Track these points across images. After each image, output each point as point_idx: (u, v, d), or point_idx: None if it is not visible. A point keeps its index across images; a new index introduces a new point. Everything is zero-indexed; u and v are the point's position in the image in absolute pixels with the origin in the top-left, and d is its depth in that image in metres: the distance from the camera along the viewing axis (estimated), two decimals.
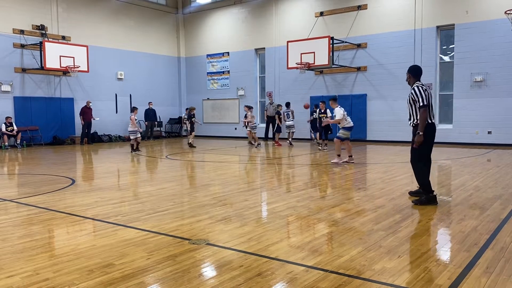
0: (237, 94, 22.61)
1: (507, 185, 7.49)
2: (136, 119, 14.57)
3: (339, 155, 11.00)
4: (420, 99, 5.73)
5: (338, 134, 11.23)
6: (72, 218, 5.50)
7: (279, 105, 17.88)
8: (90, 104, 19.23)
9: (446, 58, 17.16)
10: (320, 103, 14.59)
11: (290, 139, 17.09)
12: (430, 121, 5.80)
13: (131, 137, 14.52)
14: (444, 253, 4.00)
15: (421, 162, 5.91)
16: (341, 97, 19.06)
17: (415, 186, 7.72)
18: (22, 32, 18.05)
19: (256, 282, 3.29)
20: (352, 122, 11.35)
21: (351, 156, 11.25)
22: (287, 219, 5.37)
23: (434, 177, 9.01)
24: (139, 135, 14.68)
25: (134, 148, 14.61)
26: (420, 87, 5.81)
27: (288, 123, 17.02)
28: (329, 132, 14.47)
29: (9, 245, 4.36)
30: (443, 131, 16.89)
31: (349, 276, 3.39)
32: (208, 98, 23.83)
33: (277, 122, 17.55)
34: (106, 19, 21.22)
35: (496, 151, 13.92)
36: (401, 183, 7.80)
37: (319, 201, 6.36)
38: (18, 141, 17.37)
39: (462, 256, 3.83)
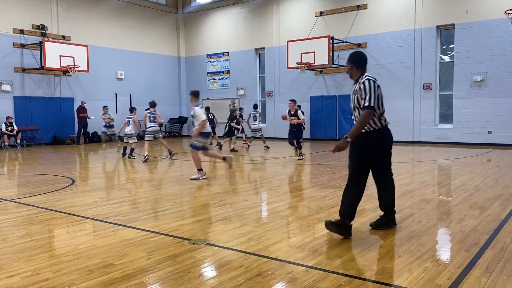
0: (237, 94, 22.61)
1: (507, 185, 7.49)
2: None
3: (200, 169, 8.70)
4: (368, 97, 4.20)
5: (193, 142, 8.67)
6: (72, 218, 5.50)
7: (240, 109, 16.38)
8: (85, 104, 19.25)
9: (446, 58, 17.16)
10: (290, 102, 12.22)
11: (264, 143, 15.65)
12: (380, 126, 4.41)
13: (130, 141, 13.08)
14: (444, 253, 4.00)
15: (353, 182, 4.57)
16: (342, 97, 19.11)
17: (415, 186, 7.73)
18: (22, 31, 18.05)
19: (256, 282, 3.29)
20: (209, 128, 9.01)
21: (225, 158, 8.82)
22: (287, 219, 5.37)
23: (434, 177, 9.02)
24: (136, 141, 13.33)
25: (128, 152, 13.17)
26: (372, 81, 4.29)
27: (253, 126, 15.25)
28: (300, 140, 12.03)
29: (9, 245, 4.35)
30: (443, 131, 16.92)
31: (349, 276, 3.39)
32: (208, 98, 23.82)
33: (229, 126, 15.46)
34: (106, 18, 21.21)
35: (496, 151, 13.92)
36: (401, 183, 7.80)
37: (319, 201, 6.36)
38: (18, 141, 17.37)
39: (462, 256, 3.83)
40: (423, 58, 17.03)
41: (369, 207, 5.91)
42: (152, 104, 12.73)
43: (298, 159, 11.87)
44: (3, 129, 17.04)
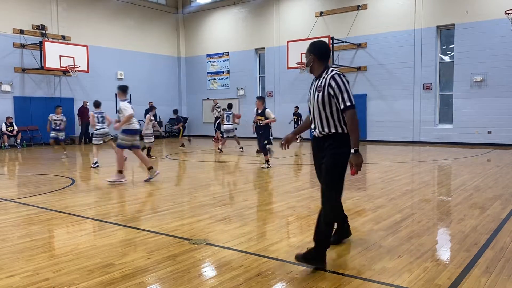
0: (237, 94, 22.61)
1: (507, 185, 7.49)
2: (151, 120, 13.11)
3: (120, 171, 8.17)
4: (346, 96, 3.54)
5: (119, 141, 8.27)
6: (72, 218, 5.50)
7: (223, 109, 15.71)
8: (87, 104, 19.24)
9: (446, 58, 17.16)
10: (257, 99, 10.58)
11: (239, 144, 14.73)
12: (346, 129, 3.66)
13: (146, 141, 12.68)
14: (444, 253, 4.00)
15: (332, 191, 3.84)
16: None
17: (415, 186, 7.72)
18: (22, 32, 18.04)
19: (256, 282, 3.29)
20: (137, 125, 8.36)
21: (151, 168, 8.40)
22: (287, 219, 5.37)
23: (434, 177, 9.02)
24: (153, 140, 12.96)
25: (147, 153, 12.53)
26: (342, 77, 3.62)
27: (225, 126, 14.29)
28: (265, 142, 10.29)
29: (9, 245, 4.35)
30: (443, 131, 16.91)
31: (349, 276, 3.39)
32: (208, 98, 23.82)
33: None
34: (106, 19, 21.22)
35: (496, 151, 13.92)
36: (401, 183, 7.80)
37: (319, 201, 6.34)
38: (18, 141, 17.37)
39: (462, 256, 3.83)
40: (423, 58, 17.03)
41: (369, 207, 5.91)
42: (96, 104, 11.50)
43: (262, 167, 10.08)
44: (3, 129, 17.04)
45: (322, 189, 3.83)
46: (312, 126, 3.84)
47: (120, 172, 8.16)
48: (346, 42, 18.26)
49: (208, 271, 3.59)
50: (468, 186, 7.47)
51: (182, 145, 16.66)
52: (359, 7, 18.47)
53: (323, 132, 3.70)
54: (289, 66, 18.35)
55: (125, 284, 3.28)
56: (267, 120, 10.14)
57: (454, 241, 4.34)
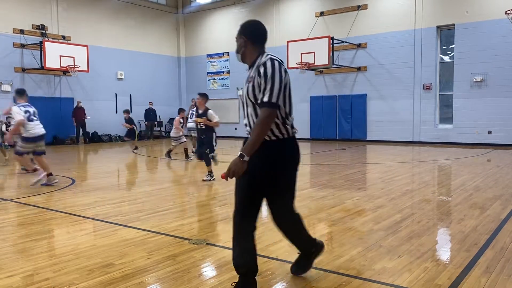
0: (237, 94, 22.62)
1: (507, 185, 7.49)
2: (181, 122, 12.49)
3: (49, 174, 7.76)
4: (269, 88, 2.76)
5: (16, 147, 7.79)
6: (72, 218, 5.50)
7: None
8: (80, 104, 19.25)
9: (446, 58, 17.16)
10: (198, 97, 8.62)
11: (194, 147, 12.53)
12: (285, 134, 2.91)
13: (174, 144, 12.53)
14: (444, 253, 4.00)
15: (243, 216, 2.92)
16: (341, 97, 19.12)
17: (415, 186, 7.73)
18: (22, 32, 18.05)
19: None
20: (39, 130, 7.71)
21: (51, 174, 7.85)
22: None
23: (434, 177, 9.03)
24: (184, 140, 12.39)
25: (190, 155, 12.19)
26: (278, 63, 2.88)
27: (190, 124, 12.39)
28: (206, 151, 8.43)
29: (9, 245, 4.36)
30: (443, 131, 16.92)
31: (349, 276, 3.39)
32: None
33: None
34: (106, 19, 21.22)
35: (496, 151, 13.92)
36: (401, 183, 7.80)
37: (319, 201, 6.36)
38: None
39: (462, 256, 3.83)
40: (423, 58, 17.03)
41: (369, 207, 5.91)
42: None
43: (203, 179, 8.36)
44: (3, 129, 17.02)
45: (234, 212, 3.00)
46: (244, 121, 3.04)
47: (49, 175, 7.76)
48: (346, 42, 18.26)
49: (208, 271, 3.59)
50: (468, 186, 7.47)
51: (136, 148, 15.25)
52: (359, 7, 18.47)
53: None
54: (289, 66, 18.31)
55: (125, 284, 3.28)
56: (208, 123, 8.14)
57: (454, 241, 4.34)
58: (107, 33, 21.14)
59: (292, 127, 2.97)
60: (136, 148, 15.21)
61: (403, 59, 17.43)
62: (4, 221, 5.35)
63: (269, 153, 2.86)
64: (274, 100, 2.74)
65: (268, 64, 2.82)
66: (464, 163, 10.88)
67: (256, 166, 2.81)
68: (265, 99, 2.74)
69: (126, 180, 9.37)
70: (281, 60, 2.94)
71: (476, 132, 16.07)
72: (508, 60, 15.33)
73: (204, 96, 8.57)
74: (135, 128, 14.77)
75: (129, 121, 14.52)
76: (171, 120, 24.09)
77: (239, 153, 2.73)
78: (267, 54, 2.95)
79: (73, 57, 18.04)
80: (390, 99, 17.87)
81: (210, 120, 8.19)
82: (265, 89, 2.76)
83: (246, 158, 2.72)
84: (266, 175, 2.87)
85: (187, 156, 12.17)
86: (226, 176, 2.79)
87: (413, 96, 17.34)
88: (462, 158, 12.03)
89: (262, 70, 2.81)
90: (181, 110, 12.88)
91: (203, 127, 8.32)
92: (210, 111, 8.33)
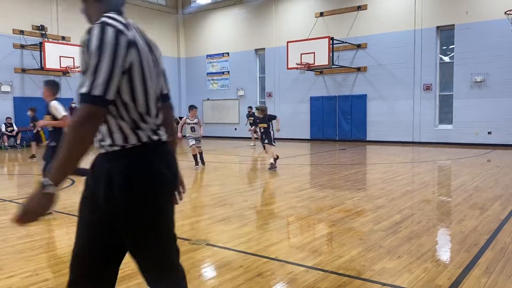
0: (237, 95, 22.61)
1: (507, 185, 7.49)
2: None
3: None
4: (93, 71, 1.64)
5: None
6: (72, 218, 5.49)
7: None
8: (74, 104, 19.25)
9: (446, 58, 17.16)
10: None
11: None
12: (136, 142, 1.81)
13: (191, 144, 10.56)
14: (444, 253, 4.00)
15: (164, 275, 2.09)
16: (341, 97, 19.12)
17: (415, 186, 7.72)
18: (22, 32, 18.05)
19: (256, 282, 3.29)
20: None
21: None
22: (287, 219, 5.37)
23: (434, 178, 9.03)
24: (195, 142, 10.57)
25: (198, 160, 10.63)
26: (112, 29, 1.68)
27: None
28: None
29: (9, 245, 4.35)
30: (443, 131, 16.92)
31: (349, 276, 3.39)
32: (208, 99, 23.83)
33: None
34: None
35: (496, 151, 13.92)
36: (401, 183, 7.80)
37: (319, 202, 6.36)
38: (18, 142, 17.37)
39: (462, 256, 3.83)
40: (423, 58, 17.03)
41: (369, 207, 5.91)
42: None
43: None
44: (3, 129, 17.04)
45: None
46: None
47: None
48: (346, 42, 18.26)
49: (208, 272, 3.59)
50: (468, 186, 7.47)
51: (33, 156, 13.26)
52: (359, 8, 18.47)
53: (101, 143, 1.92)
54: (289, 67, 18.34)
55: (125, 284, 3.27)
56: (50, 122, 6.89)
57: (454, 241, 4.34)
58: None
59: (154, 132, 1.87)
60: (33, 156, 12.92)
61: (403, 60, 17.43)
62: (4, 221, 5.35)
63: (117, 171, 1.88)
64: (99, 92, 1.64)
65: (95, 31, 1.67)
66: (464, 163, 10.88)
67: (94, 195, 1.94)
68: (85, 89, 1.64)
69: None
70: (127, 25, 1.76)
71: (476, 133, 16.06)
72: (508, 60, 15.33)
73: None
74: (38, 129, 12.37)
75: (34, 119, 11.78)
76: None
77: (41, 180, 1.71)
78: (108, 16, 1.75)
79: (73, 58, 18.03)
80: (390, 99, 17.87)
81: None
82: (86, 72, 1.68)
83: (50, 190, 1.71)
84: (116, 212, 1.89)
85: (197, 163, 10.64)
86: (17, 220, 1.81)
87: (413, 97, 17.34)
88: (462, 158, 12.03)
89: (86, 41, 1.70)
90: (191, 108, 10.61)
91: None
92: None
